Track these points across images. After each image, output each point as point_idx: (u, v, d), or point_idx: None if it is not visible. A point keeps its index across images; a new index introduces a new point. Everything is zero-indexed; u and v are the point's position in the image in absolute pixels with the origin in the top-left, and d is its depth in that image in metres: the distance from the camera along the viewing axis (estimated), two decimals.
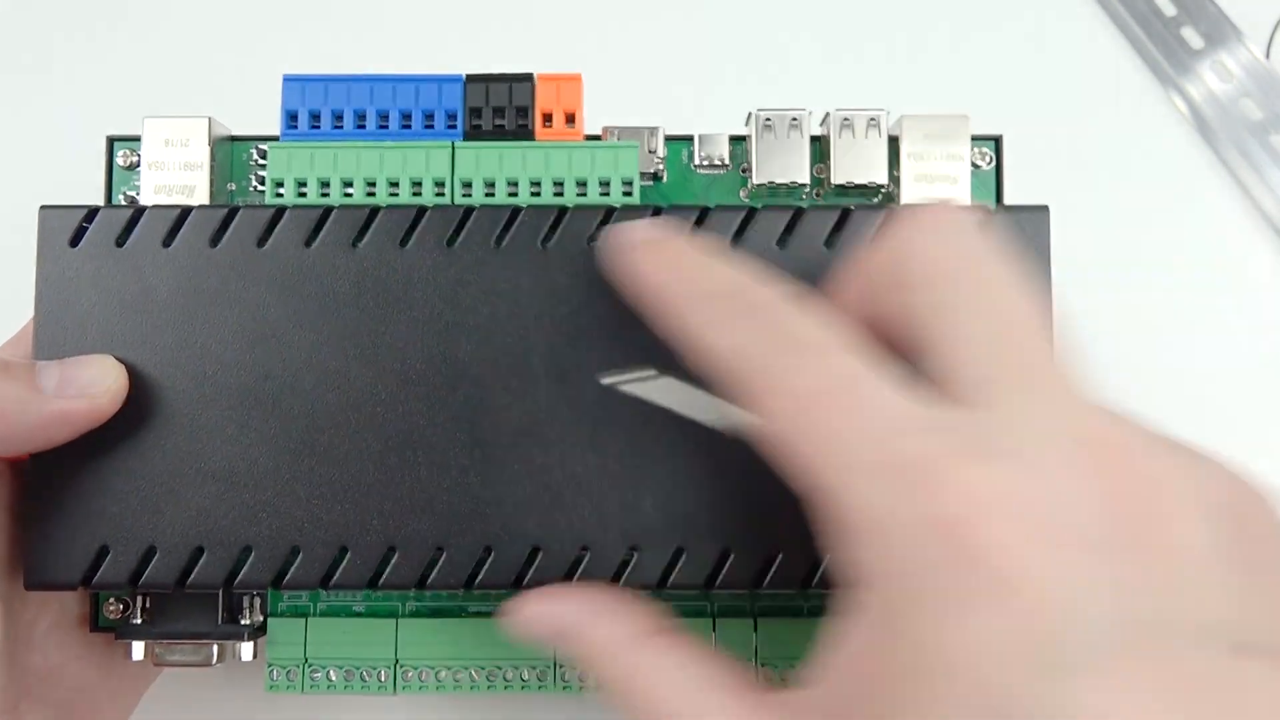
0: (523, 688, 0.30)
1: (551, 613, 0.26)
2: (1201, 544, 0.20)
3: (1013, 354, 0.21)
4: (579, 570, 0.27)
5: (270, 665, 0.29)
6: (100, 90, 0.38)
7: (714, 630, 0.30)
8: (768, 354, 0.22)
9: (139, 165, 0.30)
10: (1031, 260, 0.28)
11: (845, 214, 0.28)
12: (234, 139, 0.31)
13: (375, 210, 0.28)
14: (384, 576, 0.27)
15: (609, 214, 0.28)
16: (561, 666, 0.30)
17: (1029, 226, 0.28)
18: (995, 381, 0.21)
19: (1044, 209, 0.28)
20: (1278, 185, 0.38)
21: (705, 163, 0.31)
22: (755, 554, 0.27)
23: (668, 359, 0.26)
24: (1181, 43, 0.40)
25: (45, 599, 0.30)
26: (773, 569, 0.27)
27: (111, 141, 0.31)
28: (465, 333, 0.27)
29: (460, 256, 0.28)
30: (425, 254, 0.28)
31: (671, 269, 0.25)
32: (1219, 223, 0.38)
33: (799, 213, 0.28)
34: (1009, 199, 0.31)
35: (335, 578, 0.27)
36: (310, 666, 0.29)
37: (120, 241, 0.28)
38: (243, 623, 0.29)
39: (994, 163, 0.31)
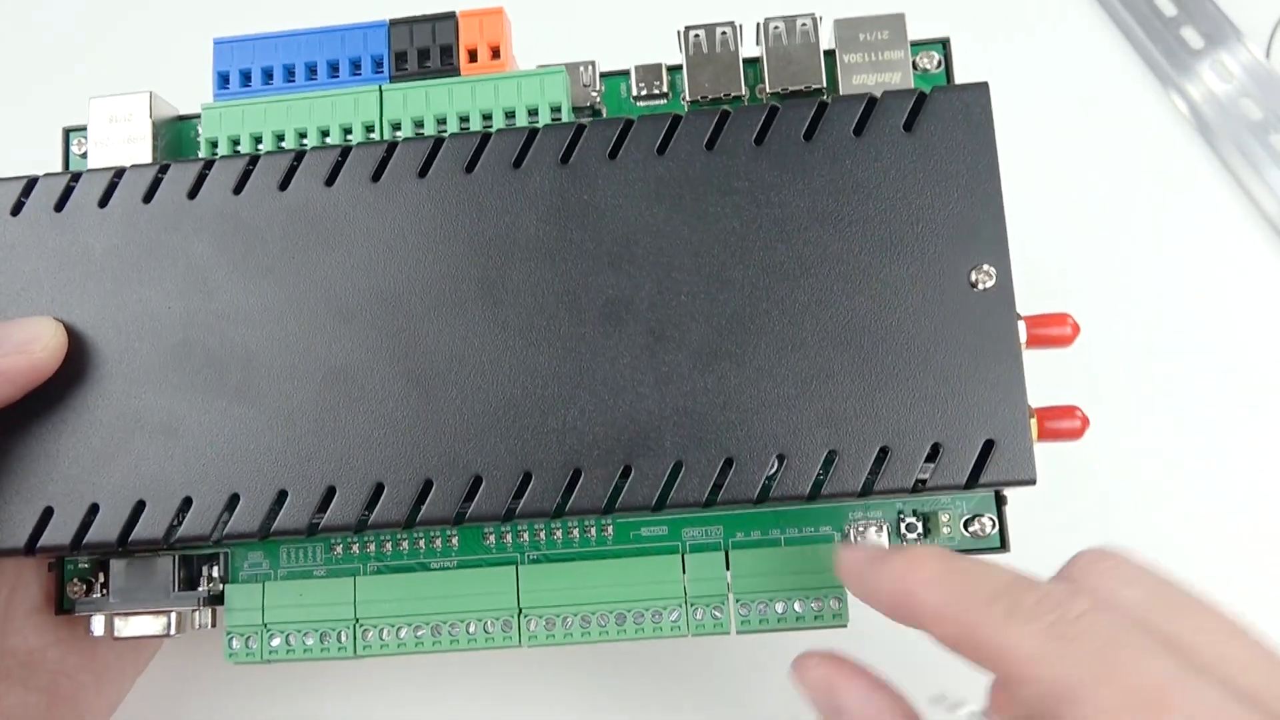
0: (487, 642, 0.28)
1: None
2: None
3: None
4: (523, 497, 0.26)
5: (229, 633, 0.29)
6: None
7: (684, 571, 0.28)
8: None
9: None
10: (975, 137, 0.26)
11: (773, 112, 0.27)
12: (181, 119, 0.31)
13: (301, 153, 0.28)
14: (324, 519, 0.26)
15: (533, 134, 0.27)
16: (525, 617, 0.28)
17: (969, 104, 0.26)
18: None
19: (983, 84, 0.27)
20: (1278, 185, 0.37)
21: (644, 93, 0.30)
22: (706, 470, 0.26)
23: (599, 276, 0.26)
24: (1181, 43, 0.39)
25: (21, 581, 0.30)
26: (730, 475, 0.26)
27: (67, 132, 0.31)
28: (397, 265, 0.27)
29: (386, 190, 0.27)
30: (352, 190, 0.27)
31: (940, 584, 0.23)
32: (1219, 222, 0.38)
33: (725, 115, 0.27)
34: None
35: (275, 524, 0.26)
36: (269, 632, 0.28)
37: (59, 207, 0.28)
38: (199, 590, 0.29)
39: (943, 66, 0.29)
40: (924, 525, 0.28)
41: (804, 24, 0.29)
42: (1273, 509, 0.35)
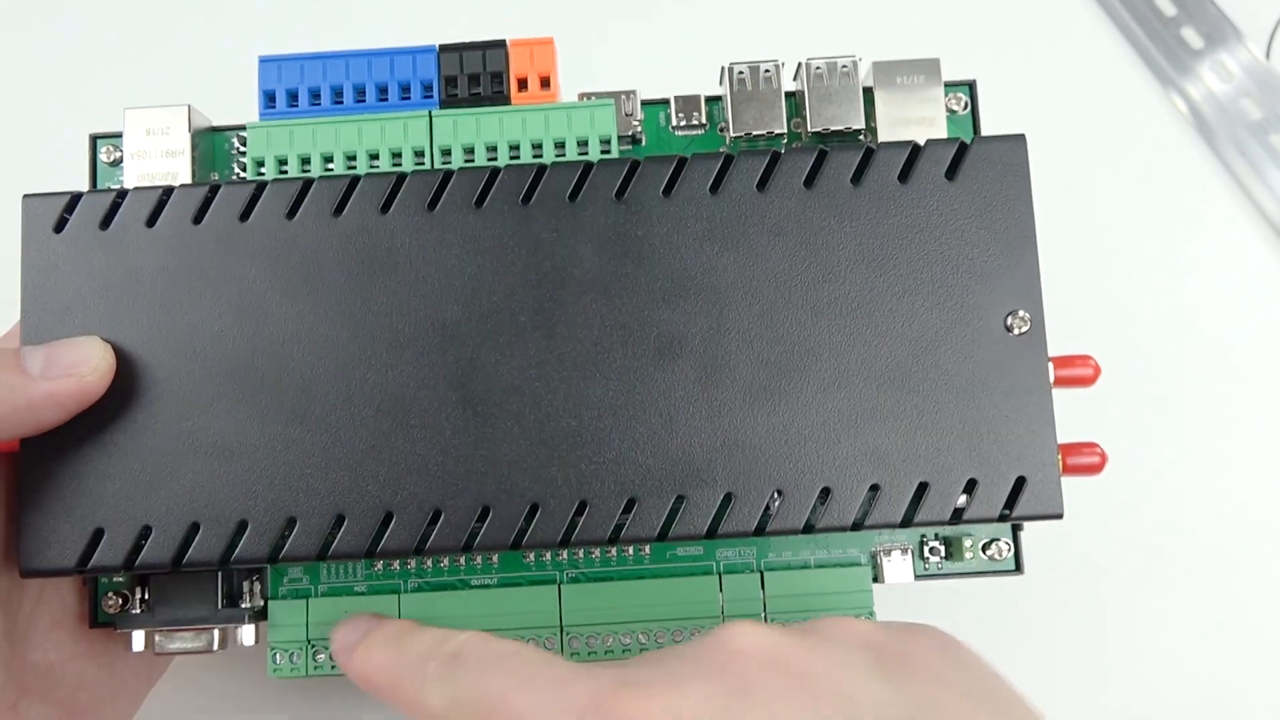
0: None
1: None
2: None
3: None
4: (578, 527, 0.27)
5: (272, 649, 0.29)
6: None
7: (720, 590, 0.29)
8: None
9: (121, 161, 0.30)
10: (1013, 187, 0.28)
11: (822, 155, 0.28)
12: (215, 129, 0.31)
13: (356, 179, 0.28)
14: (382, 543, 0.27)
15: (588, 169, 0.28)
16: (568, 634, 0.29)
17: (1006, 155, 0.28)
18: None
19: (1020, 136, 0.28)
20: (1277, 185, 0.38)
21: (683, 123, 0.31)
22: (755, 500, 0.27)
23: (653, 311, 0.27)
24: (1181, 43, 0.40)
25: (44, 595, 0.29)
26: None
27: (94, 139, 0.31)
28: (451, 294, 0.27)
29: (442, 220, 0.28)
30: (407, 219, 0.28)
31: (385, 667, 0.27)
32: (1219, 223, 0.38)
33: (775, 156, 0.28)
34: None
35: (333, 547, 0.27)
36: (313, 648, 0.29)
37: (104, 225, 0.28)
38: (243, 606, 0.29)
39: (969, 107, 0.31)
40: (946, 549, 0.30)
41: (844, 66, 0.30)
42: (1274, 509, 0.36)
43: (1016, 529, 0.30)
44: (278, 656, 0.29)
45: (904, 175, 0.28)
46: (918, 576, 0.30)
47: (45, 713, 0.29)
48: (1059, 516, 0.27)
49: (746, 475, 0.27)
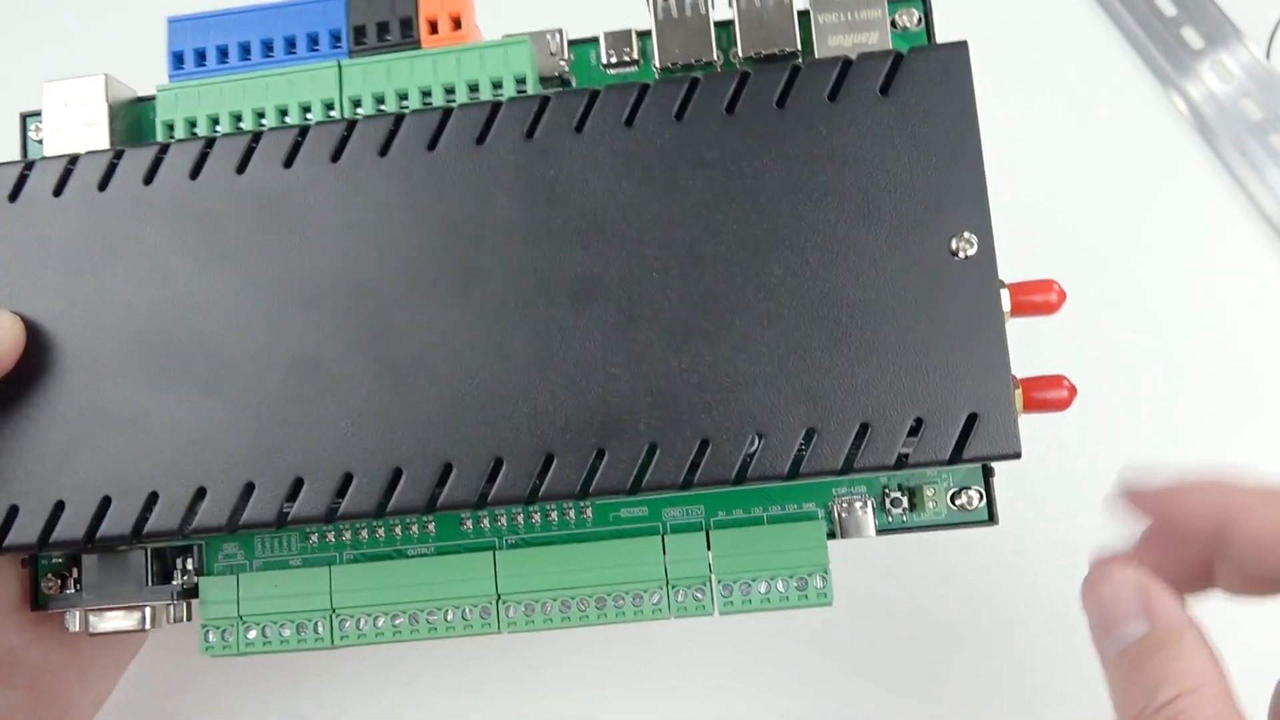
0: (465, 629, 0.28)
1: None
2: None
3: None
4: (495, 483, 0.25)
5: (204, 626, 0.28)
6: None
7: (664, 551, 0.27)
8: None
9: None
10: (955, 99, 0.25)
11: (744, 79, 0.26)
12: (140, 100, 0.30)
13: (258, 135, 0.27)
14: (293, 511, 0.26)
15: (495, 109, 0.26)
16: (504, 603, 0.28)
17: (946, 65, 0.25)
18: None
19: (962, 43, 0.25)
20: (1278, 185, 0.37)
21: (614, 60, 0.29)
22: (681, 451, 0.25)
23: (569, 255, 0.25)
24: (1181, 43, 0.39)
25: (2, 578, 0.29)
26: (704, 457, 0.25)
27: (24, 117, 0.31)
28: (359, 249, 0.26)
29: (347, 171, 0.26)
30: (311, 173, 0.26)
31: None
32: (1219, 223, 0.37)
33: (694, 82, 0.26)
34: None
35: (243, 517, 0.26)
36: (245, 624, 0.28)
37: (13, 197, 0.27)
38: (173, 584, 0.28)
39: (923, 23, 0.28)
40: (909, 500, 0.27)
41: None
42: None
43: (988, 475, 0.27)
44: (210, 634, 0.28)
45: (834, 94, 0.26)
46: (880, 530, 0.28)
47: (8, 696, 0.29)
48: (1016, 456, 0.24)
49: (671, 425, 0.25)
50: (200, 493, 0.26)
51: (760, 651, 0.35)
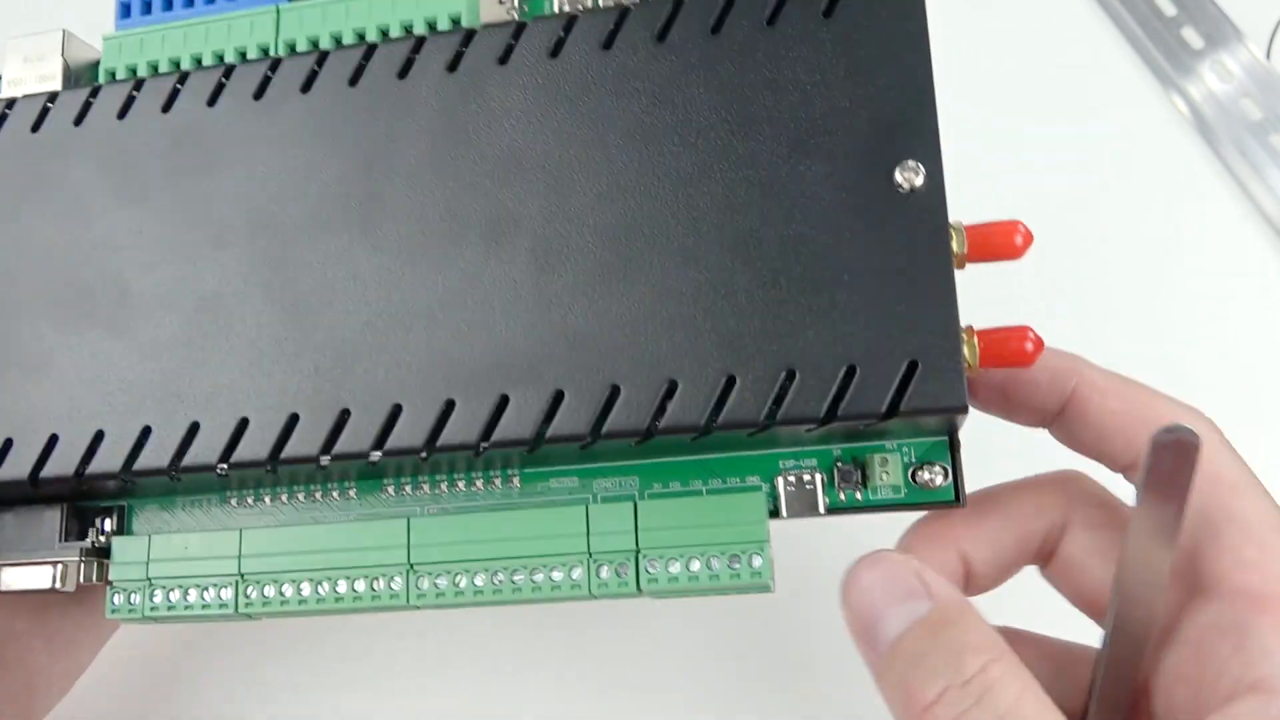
0: (374, 601, 0.25)
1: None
2: None
3: None
4: (390, 433, 0.23)
5: (112, 587, 0.27)
6: None
7: (588, 522, 0.25)
8: None
9: None
10: (903, 19, 0.23)
11: (678, 6, 0.24)
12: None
13: (184, 75, 0.26)
14: (187, 457, 0.24)
15: (420, 44, 0.25)
16: (416, 574, 0.25)
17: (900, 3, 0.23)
18: None
19: None
20: (1278, 185, 0.36)
21: (567, 7, 0.28)
22: (589, 399, 0.23)
23: (485, 191, 0.24)
24: (1181, 43, 0.39)
25: None
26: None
27: None
28: (275, 185, 0.25)
29: (269, 109, 0.26)
30: (234, 111, 0.26)
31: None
32: (1219, 223, 0.37)
33: (624, 11, 0.24)
34: None
35: (138, 462, 0.24)
36: (152, 587, 0.27)
37: None
38: (86, 542, 0.27)
39: None
40: (862, 473, 0.24)
41: None
42: None
43: (955, 450, 0.24)
44: (115, 597, 0.27)
45: (772, 18, 0.23)
46: (831, 508, 0.24)
47: None
48: (962, 410, 0.21)
49: (581, 370, 0.23)
50: (99, 436, 0.25)
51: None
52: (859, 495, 0.24)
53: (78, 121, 0.26)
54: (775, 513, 0.25)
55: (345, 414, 0.24)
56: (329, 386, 0.24)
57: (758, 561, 0.24)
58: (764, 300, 0.22)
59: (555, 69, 0.24)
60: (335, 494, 0.27)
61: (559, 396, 0.23)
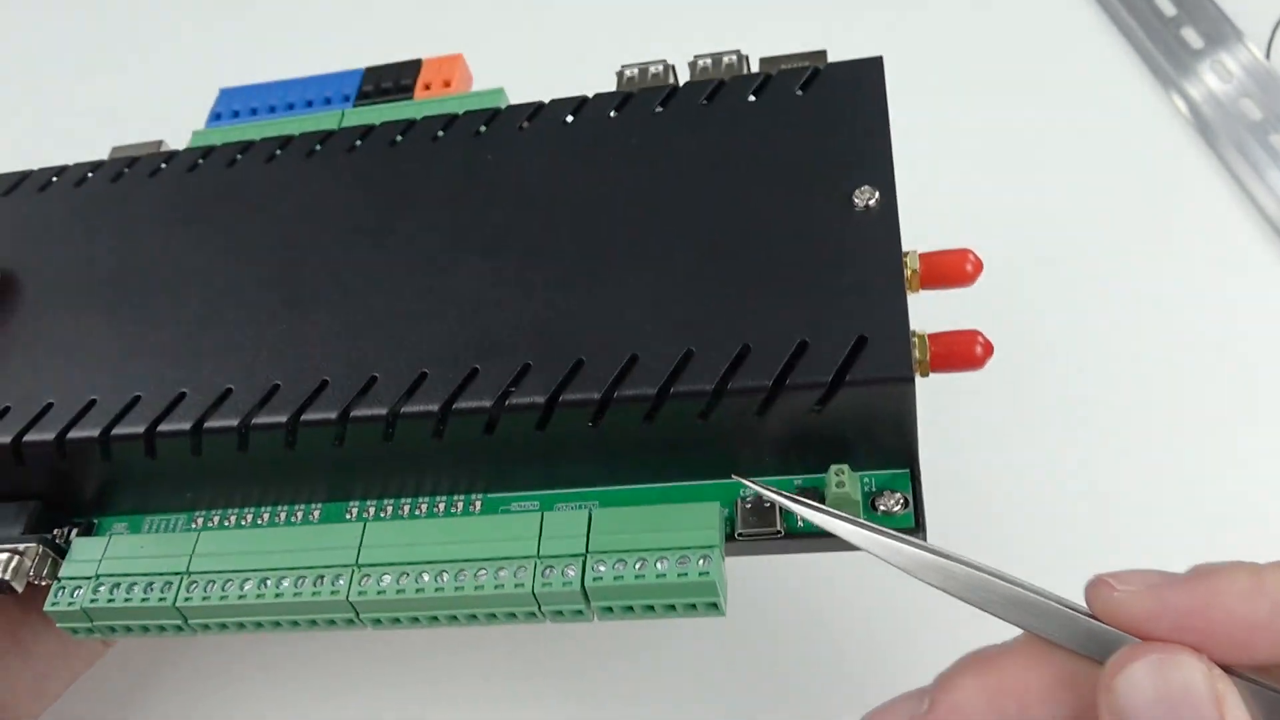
0: (314, 595, 0.25)
1: None
2: None
3: None
4: (365, 393, 0.24)
5: (58, 583, 0.26)
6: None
7: (541, 527, 0.24)
8: None
9: None
10: (867, 90, 0.26)
11: (675, 89, 0.28)
12: None
13: (249, 143, 0.30)
14: (160, 424, 0.25)
15: (454, 118, 0.29)
16: (362, 573, 0.25)
17: (864, 72, 0.27)
18: None
19: (878, 59, 0.27)
20: (1278, 185, 0.36)
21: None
22: (551, 370, 0.24)
23: (488, 216, 0.27)
24: (1181, 43, 0.40)
25: None
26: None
27: None
28: (310, 219, 0.28)
29: (316, 164, 0.29)
30: (286, 166, 0.30)
31: None
32: (1219, 222, 0.37)
33: (629, 95, 0.28)
34: None
35: (113, 430, 0.25)
36: (96, 583, 0.26)
37: (43, 189, 0.31)
38: (47, 536, 0.27)
39: None
40: (820, 501, 0.24)
41: (729, 59, 0.30)
42: (1275, 510, 0.31)
43: (915, 481, 0.24)
44: (59, 593, 0.26)
45: (758, 91, 0.27)
46: (789, 533, 0.24)
47: None
48: (908, 380, 0.22)
49: (549, 348, 0.24)
50: (89, 405, 0.26)
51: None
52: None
53: (152, 174, 0.30)
54: (732, 534, 0.24)
55: (324, 384, 0.25)
56: (315, 362, 0.25)
57: (704, 564, 0.23)
58: (727, 295, 0.24)
59: (567, 131, 0.28)
60: (300, 514, 0.27)
61: (525, 369, 0.24)
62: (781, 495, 0.23)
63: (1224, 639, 0.18)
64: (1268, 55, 0.39)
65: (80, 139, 0.37)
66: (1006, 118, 0.39)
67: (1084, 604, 0.20)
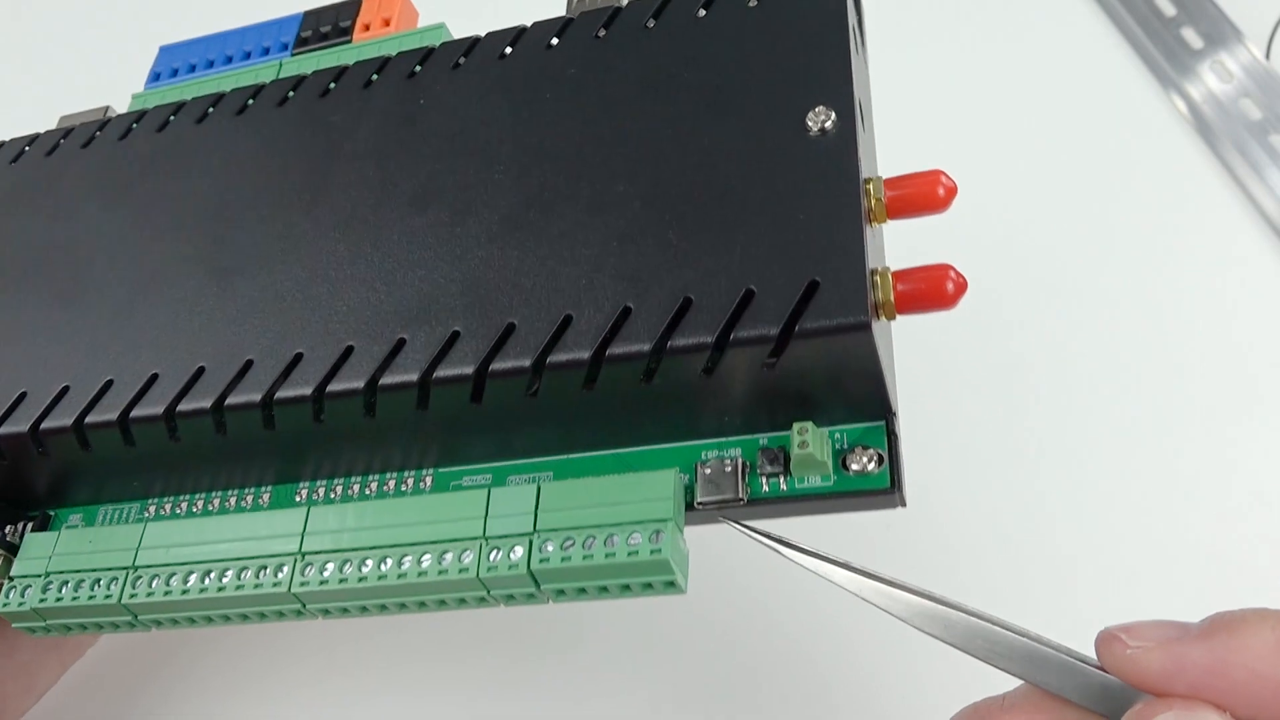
0: (256, 587, 0.23)
1: None
2: None
3: None
4: (290, 373, 0.23)
5: (10, 582, 0.25)
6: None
7: (488, 506, 0.23)
8: None
9: None
10: (826, 22, 0.23)
11: (618, 11, 0.25)
12: None
13: (181, 104, 0.29)
14: (90, 412, 0.24)
15: (386, 61, 0.27)
16: (305, 562, 0.23)
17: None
18: None
19: None
20: (1277, 185, 0.36)
21: None
22: (483, 336, 0.22)
23: (417, 167, 0.24)
24: (1181, 43, 0.39)
25: None
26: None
27: None
28: (237, 182, 0.26)
29: (248, 122, 0.27)
30: (216, 126, 0.28)
31: None
32: (1219, 223, 0.36)
33: (568, 22, 0.26)
34: None
35: (43, 424, 0.24)
36: (47, 580, 0.25)
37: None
38: (3, 533, 0.26)
39: None
40: (785, 462, 0.22)
41: None
42: (1275, 510, 0.31)
43: (891, 436, 0.21)
44: (11, 593, 0.25)
45: (709, 4, 0.24)
46: (753, 499, 0.22)
47: None
48: (863, 327, 0.19)
49: (480, 311, 0.22)
50: (21, 397, 0.25)
51: None
52: (783, 484, 0.22)
53: (85, 145, 0.29)
54: (691, 504, 0.22)
55: (249, 365, 0.23)
56: (239, 341, 0.23)
57: (658, 539, 0.21)
58: (668, 240, 0.21)
59: (501, 68, 0.25)
60: (250, 498, 0.26)
61: (454, 336, 0.22)
62: (768, 540, 0.21)
63: (1246, 697, 0.17)
64: (1268, 55, 0.38)
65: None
66: (1005, 117, 0.38)
67: (1091, 654, 0.19)
